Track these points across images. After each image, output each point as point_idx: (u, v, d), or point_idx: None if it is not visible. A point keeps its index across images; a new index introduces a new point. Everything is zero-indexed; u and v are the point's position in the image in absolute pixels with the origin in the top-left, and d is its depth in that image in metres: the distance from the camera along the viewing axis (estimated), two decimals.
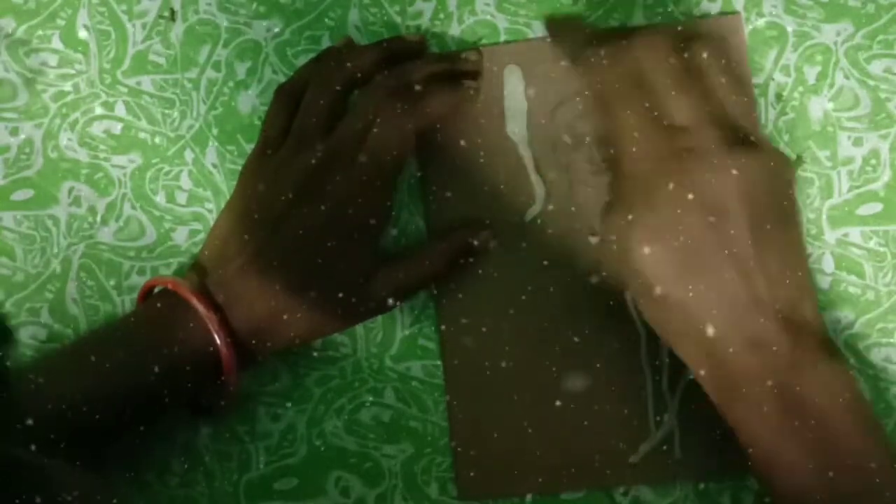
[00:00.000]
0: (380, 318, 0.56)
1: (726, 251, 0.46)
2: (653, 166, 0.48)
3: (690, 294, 0.46)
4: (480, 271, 0.55)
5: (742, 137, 0.48)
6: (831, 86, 0.55)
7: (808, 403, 0.45)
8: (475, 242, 0.54)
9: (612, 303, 0.52)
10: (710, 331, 0.46)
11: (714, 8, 0.55)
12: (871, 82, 0.54)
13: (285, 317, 0.51)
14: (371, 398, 0.56)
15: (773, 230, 0.47)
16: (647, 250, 0.47)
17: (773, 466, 0.46)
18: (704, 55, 0.49)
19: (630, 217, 0.47)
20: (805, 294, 0.48)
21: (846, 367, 0.47)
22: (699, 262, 0.46)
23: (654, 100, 0.48)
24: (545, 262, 0.55)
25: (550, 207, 0.55)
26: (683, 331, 0.47)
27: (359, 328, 0.56)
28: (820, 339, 0.47)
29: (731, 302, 0.46)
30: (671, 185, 0.47)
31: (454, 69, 0.54)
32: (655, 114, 0.48)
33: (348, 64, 0.53)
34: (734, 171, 0.46)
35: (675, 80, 0.48)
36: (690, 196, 0.46)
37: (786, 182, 0.48)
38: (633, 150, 0.48)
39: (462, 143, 0.55)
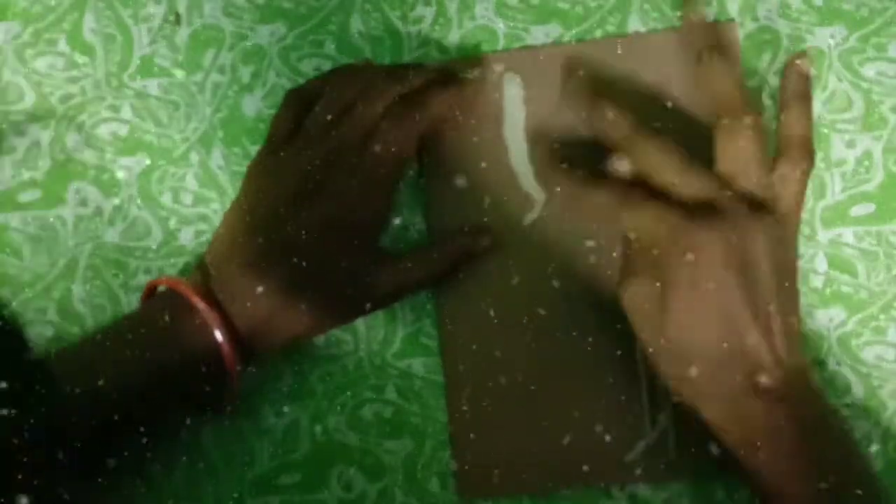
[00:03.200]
0: (381, 315, 0.57)
1: (753, 312, 0.47)
2: (671, 233, 0.48)
3: (721, 356, 0.48)
4: (480, 272, 0.55)
5: (758, 198, 0.49)
6: (824, 88, 0.55)
7: (818, 446, 0.48)
8: (476, 248, 0.55)
9: (608, 304, 0.52)
10: (741, 390, 0.48)
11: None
12: (865, 85, 0.55)
13: (285, 314, 0.52)
14: (373, 394, 0.56)
15: (789, 285, 0.49)
16: (675, 318, 0.48)
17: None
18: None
19: (654, 285, 0.48)
20: (801, 344, 0.51)
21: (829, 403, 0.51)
22: (728, 324, 0.48)
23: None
24: (543, 265, 0.55)
25: (549, 212, 0.55)
26: (713, 392, 0.48)
27: (361, 326, 0.57)
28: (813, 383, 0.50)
29: (755, 361, 0.48)
30: (695, 250, 0.48)
31: (455, 75, 0.55)
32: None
33: (369, 82, 0.53)
34: (756, 232, 0.48)
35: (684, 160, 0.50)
36: (715, 258, 0.47)
37: (790, 236, 0.51)
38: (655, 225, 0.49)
39: (462, 148, 0.56)
